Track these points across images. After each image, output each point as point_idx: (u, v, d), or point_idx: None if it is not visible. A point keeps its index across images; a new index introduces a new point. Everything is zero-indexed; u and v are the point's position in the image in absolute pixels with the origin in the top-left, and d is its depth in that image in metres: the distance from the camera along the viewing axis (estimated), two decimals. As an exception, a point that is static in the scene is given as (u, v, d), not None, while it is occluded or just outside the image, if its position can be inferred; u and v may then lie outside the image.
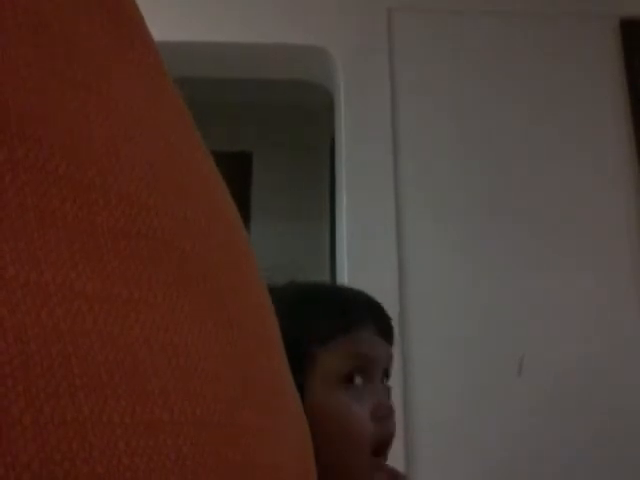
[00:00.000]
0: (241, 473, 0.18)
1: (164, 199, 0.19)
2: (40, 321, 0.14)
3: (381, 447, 0.72)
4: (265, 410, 0.20)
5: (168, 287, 0.18)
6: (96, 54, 0.19)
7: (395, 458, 1.52)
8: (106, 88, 0.19)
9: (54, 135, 0.16)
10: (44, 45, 0.17)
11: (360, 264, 1.69)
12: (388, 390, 0.78)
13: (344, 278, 1.69)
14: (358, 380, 0.71)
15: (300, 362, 0.68)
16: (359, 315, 0.75)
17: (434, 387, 1.61)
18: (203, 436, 0.16)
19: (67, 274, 0.15)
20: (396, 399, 1.56)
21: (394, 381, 1.57)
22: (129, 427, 0.15)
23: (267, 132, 2.85)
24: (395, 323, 1.66)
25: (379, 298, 1.70)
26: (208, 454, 0.16)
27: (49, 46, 0.17)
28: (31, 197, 0.15)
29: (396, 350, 1.58)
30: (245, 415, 0.19)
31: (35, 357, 0.14)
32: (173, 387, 0.16)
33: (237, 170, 2.72)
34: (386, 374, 0.78)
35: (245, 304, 0.22)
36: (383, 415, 0.71)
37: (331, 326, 0.72)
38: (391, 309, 1.62)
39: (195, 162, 0.23)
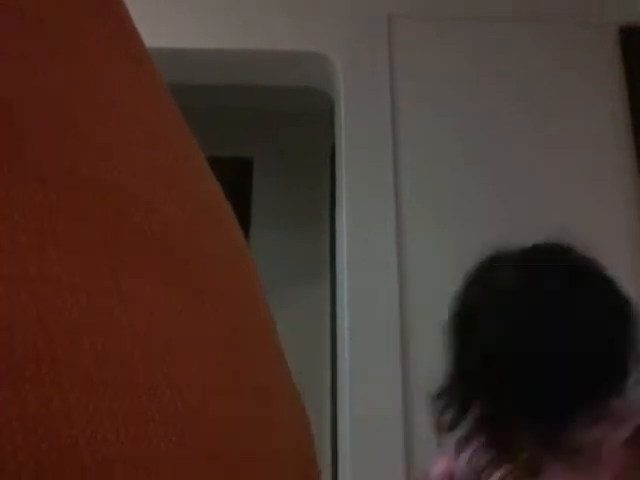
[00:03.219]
0: (233, 463, 0.18)
1: (157, 193, 0.19)
2: (26, 314, 0.14)
3: None
4: (259, 401, 0.20)
5: (158, 281, 0.18)
6: (95, 57, 0.19)
7: (395, 458, 1.52)
8: (100, 85, 0.19)
9: (36, 124, 0.16)
10: (44, 42, 0.17)
11: (360, 270, 1.69)
12: None
13: (344, 284, 1.69)
14: None
15: None
16: None
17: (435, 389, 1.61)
18: (194, 426, 0.16)
19: (52, 266, 0.15)
20: (396, 401, 1.55)
21: (394, 385, 1.57)
22: (117, 417, 0.15)
23: (268, 138, 2.85)
24: (395, 329, 1.65)
25: (379, 303, 1.69)
26: (199, 444, 0.16)
27: (50, 42, 0.18)
28: (13, 190, 0.15)
29: (396, 355, 1.57)
30: (238, 406, 0.19)
31: (20, 349, 0.13)
32: (163, 378, 0.16)
33: (238, 176, 2.72)
34: None
35: (240, 298, 0.22)
36: None
37: None
38: (391, 315, 1.62)
39: (188, 162, 0.23)
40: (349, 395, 1.60)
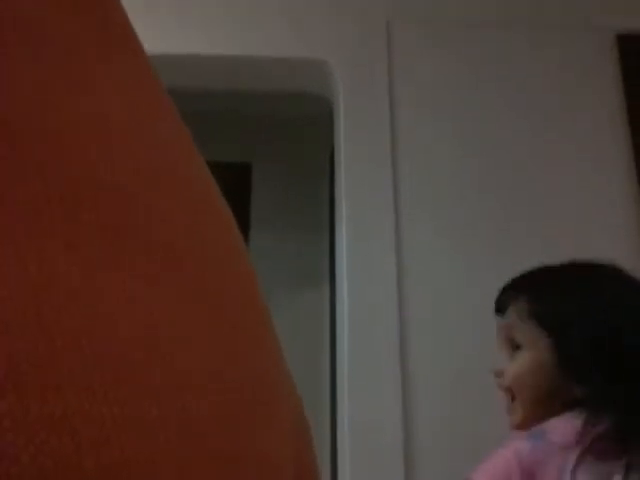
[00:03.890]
0: (231, 462, 0.18)
1: (157, 193, 0.19)
2: (26, 316, 0.14)
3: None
4: (258, 401, 0.20)
5: (159, 281, 0.18)
6: (87, 66, 0.19)
7: (394, 459, 1.52)
8: (100, 88, 0.19)
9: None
10: (40, 53, 0.17)
11: (359, 275, 1.69)
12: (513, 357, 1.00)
13: (343, 289, 1.69)
14: None
15: None
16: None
17: (434, 397, 1.61)
18: (192, 427, 0.16)
19: (53, 266, 0.15)
20: (395, 409, 1.55)
21: (393, 391, 1.57)
22: (118, 419, 0.14)
23: (267, 144, 2.85)
24: (394, 334, 1.65)
25: (378, 308, 1.69)
26: (197, 444, 0.17)
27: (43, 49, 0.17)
28: (13, 190, 0.15)
29: (395, 361, 1.57)
30: (236, 406, 0.19)
31: (21, 353, 0.13)
32: (165, 380, 0.16)
33: (237, 182, 2.72)
34: (512, 344, 1.01)
35: (239, 298, 0.22)
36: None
37: None
38: (390, 319, 1.63)
39: (188, 164, 0.23)
40: (348, 403, 1.60)
